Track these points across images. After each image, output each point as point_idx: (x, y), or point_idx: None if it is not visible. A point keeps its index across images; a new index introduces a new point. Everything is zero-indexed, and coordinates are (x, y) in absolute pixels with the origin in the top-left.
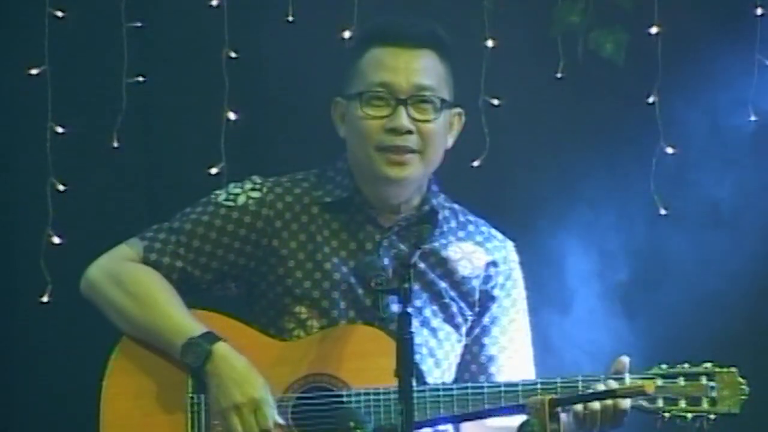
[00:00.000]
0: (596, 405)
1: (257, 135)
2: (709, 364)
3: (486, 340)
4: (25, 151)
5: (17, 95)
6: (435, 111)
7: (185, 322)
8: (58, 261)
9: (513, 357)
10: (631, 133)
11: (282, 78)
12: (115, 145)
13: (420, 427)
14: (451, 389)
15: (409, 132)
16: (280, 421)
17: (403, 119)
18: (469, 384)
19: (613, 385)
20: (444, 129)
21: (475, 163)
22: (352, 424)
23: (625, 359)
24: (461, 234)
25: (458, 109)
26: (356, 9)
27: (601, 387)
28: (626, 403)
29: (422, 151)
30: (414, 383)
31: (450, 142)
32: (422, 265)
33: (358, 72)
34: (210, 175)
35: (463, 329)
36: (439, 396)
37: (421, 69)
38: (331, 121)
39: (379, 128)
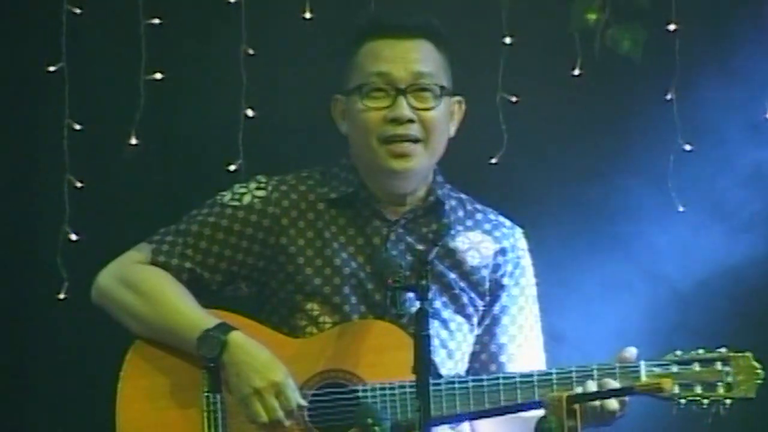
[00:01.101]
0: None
1: (275, 132)
2: (723, 350)
3: (496, 330)
4: (42, 148)
5: (35, 92)
6: (435, 98)
7: (198, 315)
8: (75, 258)
9: (523, 345)
10: (649, 130)
11: (299, 75)
12: (133, 142)
13: (437, 424)
14: (466, 382)
15: (411, 121)
16: (303, 403)
17: (404, 108)
18: (485, 376)
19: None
20: (445, 117)
21: (493, 160)
22: (370, 420)
23: (632, 350)
24: (469, 223)
25: (458, 98)
26: (373, 6)
27: (614, 383)
28: (615, 404)
29: (425, 140)
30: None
31: (452, 130)
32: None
33: (356, 66)
34: (228, 172)
35: (475, 319)
36: (454, 389)
37: (418, 58)
38: (332, 120)
39: (380, 119)
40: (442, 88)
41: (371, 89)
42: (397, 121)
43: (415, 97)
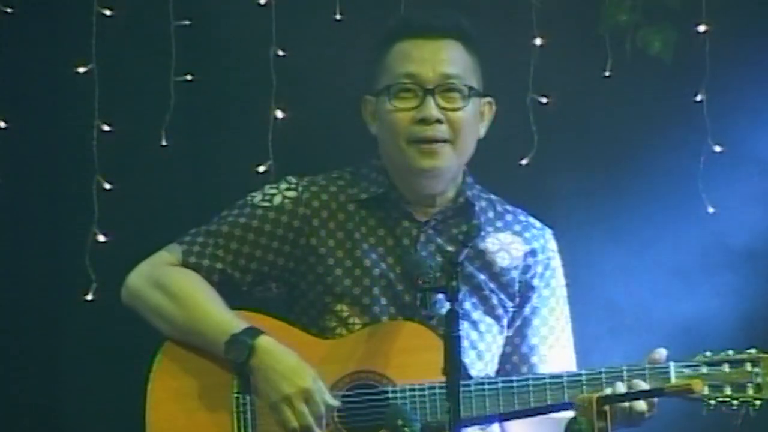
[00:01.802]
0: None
1: (305, 133)
2: (753, 350)
3: (527, 331)
4: (72, 149)
5: (64, 93)
6: (463, 99)
7: (226, 319)
8: (104, 259)
9: (554, 346)
10: (679, 131)
11: (329, 76)
12: (163, 143)
13: (467, 425)
14: (496, 383)
15: (439, 121)
16: (335, 403)
17: (432, 109)
18: (514, 377)
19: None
20: (474, 117)
21: (524, 161)
22: (400, 422)
23: (662, 351)
24: (499, 224)
25: (488, 98)
26: (403, 7)
27: (644, 384)
28: (643, 405)
29: (453, 141)
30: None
31: (482, 131)
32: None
33: (385, 67)
34: (257, 173)
35: (505, 321)
36: (484, 390)
37: (446, 58)
38: (362, 121)
39: (408, 120)
40: (470, 88)
41: (399, 90)
42: (425, 122)
43: (443, 97)
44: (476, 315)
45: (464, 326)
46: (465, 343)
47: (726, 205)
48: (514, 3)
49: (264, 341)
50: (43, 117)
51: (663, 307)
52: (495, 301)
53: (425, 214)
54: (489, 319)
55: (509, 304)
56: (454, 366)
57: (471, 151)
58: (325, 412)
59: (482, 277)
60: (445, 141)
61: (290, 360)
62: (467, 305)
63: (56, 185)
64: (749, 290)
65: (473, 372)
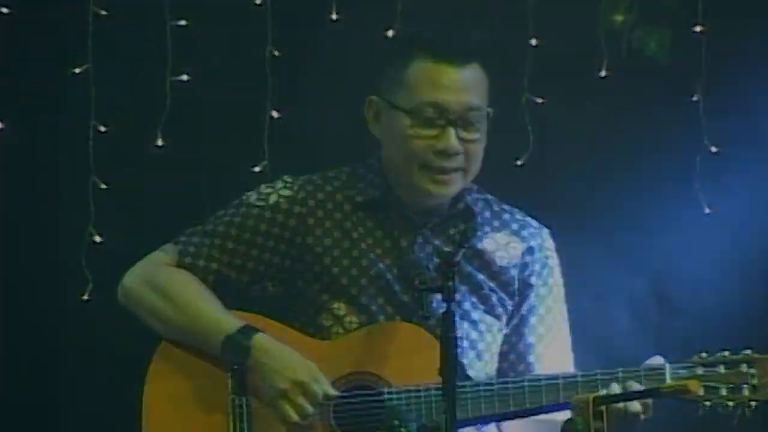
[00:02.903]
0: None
1: (300, 133)
2: (748, 351)
3: (524, 330)
4: (67, 149)
5: (60, 93)
6: (480, 129)
7: (222, 318)
8: (99, 260)
9: (551, 345)
10: (675, 131)
11: (325, 76)
12: (159, 143)
13: (463, 426)
14: (492, 384)
15: (457, 153)
16: (333, 392)
17: (453, 140)
18: (510, 378)
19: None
20: (484, 140)
21: (519, 162)
22: (396, 422)
23: (659, 359)
24: (496, 224)
25: (489, 109)
26: (400, 7)
27: (638, 386)
28: (637, 405)
29: (466, 169)
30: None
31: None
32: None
33: (406, 84)
34: (253, 173)
35: (504, 319)
36: (479, 391)
37: (471, 87)
38: (364, 119)
39: (426, 148)
40: (487, 115)
41: (424, 118)
42: (445, 153)
43: (464, 128)
44: (476, 314)
45: (464, 326)
46: (464, 344)
47: (723, 205)
48: (510, 4)
49: (259, 340)
50: (38, 117)
51: (660, 306)
52: (495, 299)
53: (422, 216)
54: (489, 318)
55: (509, 302)
56: (450, 367)
57: (477, 172)
58: (323, 401)
59: (481, 276)
60: (458, 169)
61: (283, 355)
62: (466, 305)
63: (52, 185)
64: (746, 290)
65: (472, 372)
